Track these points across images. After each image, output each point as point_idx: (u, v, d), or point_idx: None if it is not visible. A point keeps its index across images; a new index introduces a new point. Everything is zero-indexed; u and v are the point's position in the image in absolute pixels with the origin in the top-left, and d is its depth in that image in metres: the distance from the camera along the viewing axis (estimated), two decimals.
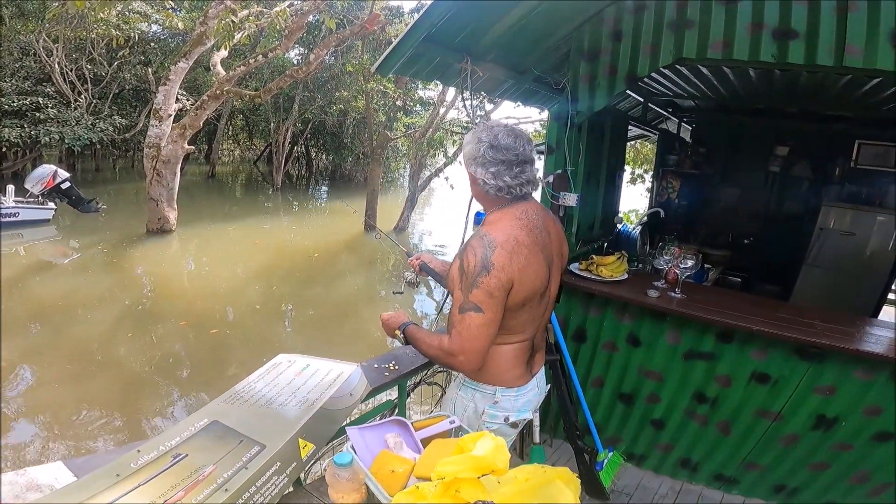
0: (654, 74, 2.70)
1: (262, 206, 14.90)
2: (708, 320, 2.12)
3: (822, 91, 2.97)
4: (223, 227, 10.99)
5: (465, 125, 13.27)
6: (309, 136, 20.29)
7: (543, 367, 1.63)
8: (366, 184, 17.00)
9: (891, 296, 4.38)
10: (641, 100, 3.65)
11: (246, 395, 1.22)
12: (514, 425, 1.49)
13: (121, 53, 13.90)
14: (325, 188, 21.17)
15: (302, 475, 1.21)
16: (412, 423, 1.27)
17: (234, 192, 18.15)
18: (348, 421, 1.36)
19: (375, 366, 1.67)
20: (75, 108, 13.39)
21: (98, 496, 0.84)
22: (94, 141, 13.63)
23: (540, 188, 2.57)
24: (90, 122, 13.27)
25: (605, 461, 2.39)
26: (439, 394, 2.49)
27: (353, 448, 1.15)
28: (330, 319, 6.53)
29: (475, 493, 0.80)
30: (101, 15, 9.06)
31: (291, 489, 1.13)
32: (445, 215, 14.76)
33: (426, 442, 1.23)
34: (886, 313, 4.37)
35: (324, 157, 23.76)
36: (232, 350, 5.36)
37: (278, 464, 1.03)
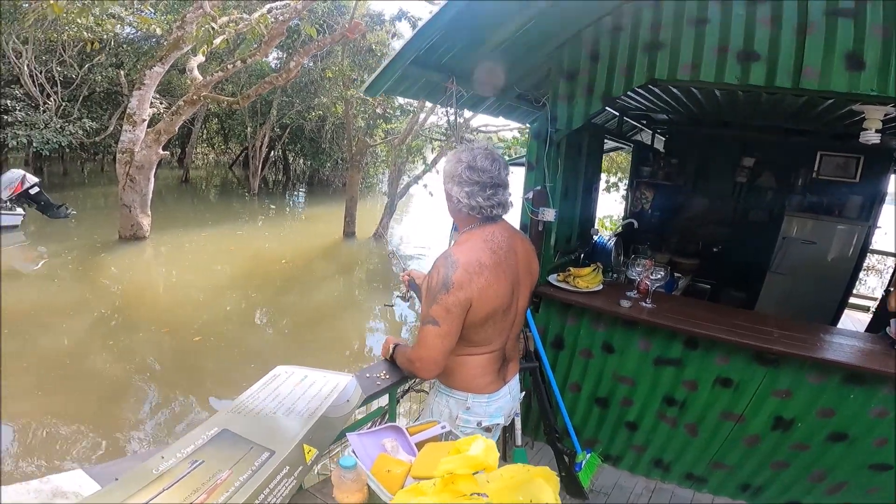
0: (628, 92, 2.86)
1: (238, 212, 14.71)
2: (675, 329, 2.27)
3: (782, 109, 3.17)
4: (198, 234, 10.83)
5: (444, 132, 13.41)
6: (286, 140, 20.13)
7: (518, 376, 1.74)
8: (344, 189, 16.97)
9: (852, 299, 4.65)
10: (617, 114, 3.82)
11: (251, 405, 1.30)
12: (487, 429, 1.59)
13: (97, 59, 13.55)
14: (302, 193, 21.00)
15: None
16: (406, 429, 1.36)
17: (209, 198, 17.86)
18: (345, 427, 1.44)
19: (367, 375, 1.75)
20: (44, 111, 13.01)
21: (129, 500, 0.91)
22: (62, 144, 13.27)
23: (520, 204, 2.69)
24: (59, 126, 12.91)
25: (584, 462, 2.50)
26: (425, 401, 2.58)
27: (353, 452, 1.24)
28: (310, 326, 6.55)
29: (470, 487, 0.90)
30: (80, 20, 8.83)
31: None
32: (424, 222, 14.86)
33: (420, 446, 1.32)
34: (849, 317, 4.62)
35: (301, 161, 23.57)
36: (216, 357, 5.34)
37: (287, 468, 1.11)
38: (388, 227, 11.69)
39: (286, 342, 6.06)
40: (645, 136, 4.98)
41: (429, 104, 10.86)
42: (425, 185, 11.22)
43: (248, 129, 17.62)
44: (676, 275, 3.65)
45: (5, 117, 12.26)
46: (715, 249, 4.54)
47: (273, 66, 16.20)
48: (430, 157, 11.97)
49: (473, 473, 0.99)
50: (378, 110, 11.14)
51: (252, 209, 15.39)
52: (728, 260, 4.48)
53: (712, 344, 2.21)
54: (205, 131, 22.94)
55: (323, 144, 18.34)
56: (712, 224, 4.65)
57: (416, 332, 1.47)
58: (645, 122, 4.50)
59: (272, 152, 20.88)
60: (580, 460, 2.50)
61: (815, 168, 4.11)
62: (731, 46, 2.00)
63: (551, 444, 2.55)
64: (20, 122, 12.34)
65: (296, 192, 21.10)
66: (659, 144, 5.10)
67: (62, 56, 13.27)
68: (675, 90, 3.05)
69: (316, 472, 1.85)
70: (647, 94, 3.29)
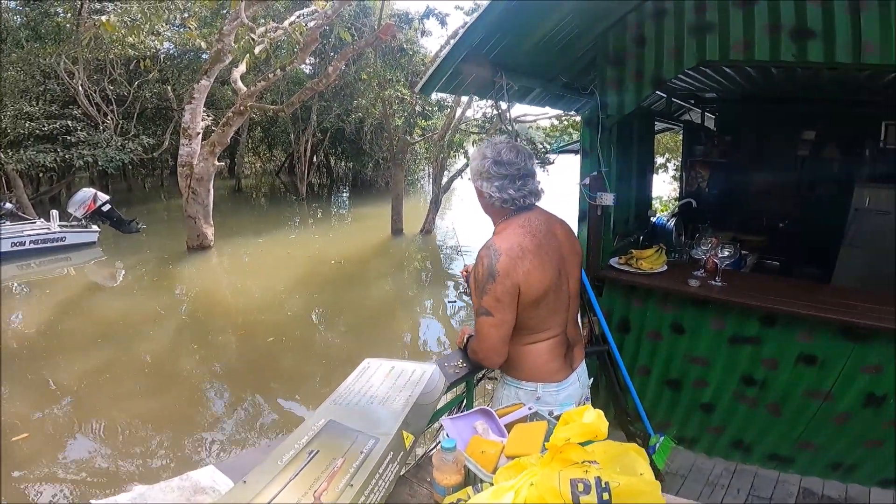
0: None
1: (289, 217, 15.25)
2: (751, 305, 2.22)
3: (845, 82, 3.01)
4: (256, 240, 11.31)
5: (481, 124, 13.34)
6: (328, 144, 20.61)
7: (584, 362, 1.73)
8: (387, 188, 17.23)
9: None
10: (664, 95, 3.73)
11: (349, 397, 1.38)
12: (558, 419, 1.63)
13: (151, 74, 14.01)
14: (346, 195, 21.50)
15: None
16: (495, 411, 1.42)
17: (261, 205, 18.57)
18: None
19: (446, 364, 1.82)
20: (104, 130, 13.39)
21: (264, 492, 0.98)
22: (124, 162, 13.74)
23: (577, 191, 2.70)
24: (120, 143, 13.24)
25: (657, 445, 2.48)
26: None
27: (447, 436, 1.31)
28: (369, 323, 6.75)
29: (580, 455, 0.95)
30: (130, 39, 9.34)
31: None
32: (468, 215, 14.91)
33: (508, 428, 1.38)
34: None
35: (343, 164, 24.08)
36: (290, 356, 5.62)
37: (391, 453, 1.17)
38: (434, 223, 11.80)
39: (348, 339, 6.27)
40: (694, 116, 4.86)
41: (464, 99, 10.86)
42: (470, 179, 11.23)
43: (291, 135, 18.15)
44: (743, 252, 3.54)
45: (69, 138, 12.60)
46: (781, 225, 4.37)
47: (307, 72, 16.55)
48: (471, 150, 11.96)
49: (581, 443, 1.03)
50: (417, 108, 11.22)
51: (302, 213, 15.90)
52: (796, 235, 4.30)
53: (792, 320, 2.15)
54: (250, 141, 23.83)
55: (363, 146, 18.67)
56: (776, 199, 4.48)
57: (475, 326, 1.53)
58: (693, 101, 4.40)
59: (315, 157, 21.43)
60: (653, 443, 2.48)
61: (882, 138, 3.94)
62: (784, 24, 1.95)
63: (623, 428, 2.56)
64: (83, 141, 12.63)
65: (341, 194, 21.62)
66: (709, 123, 4.97)
67: (112, 74, 13.62)
68: (726, 69, 2.96)
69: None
70: (695, 75, 3.20)
